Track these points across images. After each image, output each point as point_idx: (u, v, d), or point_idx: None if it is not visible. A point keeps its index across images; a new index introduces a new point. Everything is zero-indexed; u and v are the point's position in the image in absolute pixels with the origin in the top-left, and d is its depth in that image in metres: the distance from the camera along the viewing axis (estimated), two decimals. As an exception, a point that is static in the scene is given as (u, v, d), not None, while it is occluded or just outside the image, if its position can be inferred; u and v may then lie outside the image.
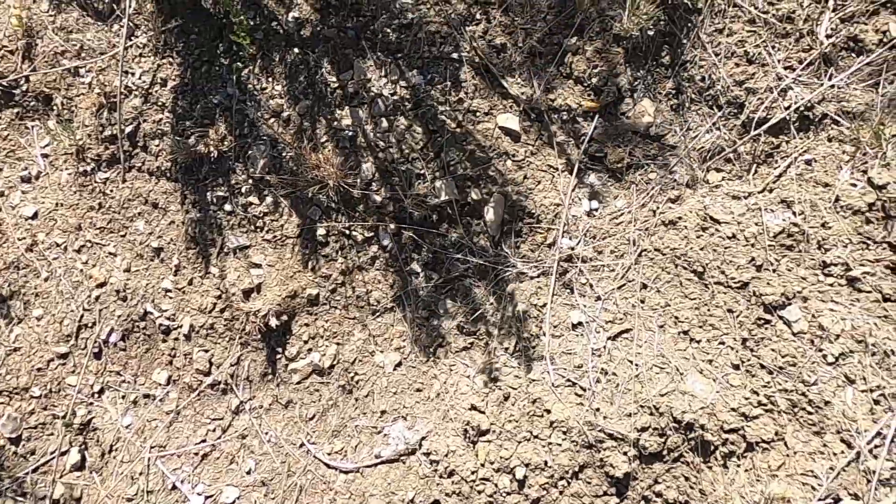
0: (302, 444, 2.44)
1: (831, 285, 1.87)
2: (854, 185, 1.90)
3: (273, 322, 2.41)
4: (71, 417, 2.57)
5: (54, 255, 2.68)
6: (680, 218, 2.11)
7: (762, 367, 1.87)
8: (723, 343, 1.94)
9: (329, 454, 2.38)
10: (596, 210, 2.29)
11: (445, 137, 2.34)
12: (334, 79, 2.45)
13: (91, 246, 2.66)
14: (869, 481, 1.64)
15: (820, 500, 1.65)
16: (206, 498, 2.43)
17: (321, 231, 2.45)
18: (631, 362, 2.04)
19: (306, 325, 2.46)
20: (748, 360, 1.89)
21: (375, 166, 2.41)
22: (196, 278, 2.54)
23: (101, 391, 2.60)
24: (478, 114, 2.35)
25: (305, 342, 2.46)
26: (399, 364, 2.38)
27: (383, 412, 2.34)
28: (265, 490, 2.41)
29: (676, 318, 2.03)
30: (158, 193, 2.59)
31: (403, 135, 2.37)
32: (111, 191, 2.64)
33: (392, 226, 2.40)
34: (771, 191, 2.05)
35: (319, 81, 2.46)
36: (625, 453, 1.97)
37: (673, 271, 2.08)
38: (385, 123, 2.38)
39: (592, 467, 2.02)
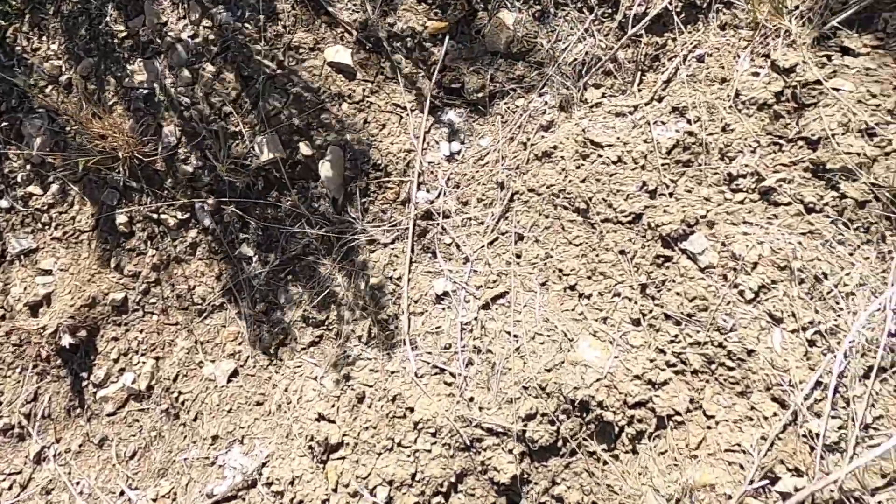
0: (122, 493, 1.90)
1: (741, 203, 1.45)
2: (756, 75, 1.49)
3: (66, 340, 1.87)
4: None
5: None
6: (555, 148, 1.68)
7: (667, 317, 1.43)
8: (618, 294, 1.49)
9: (154, 500, 1.84)
10: (458, 153, 1.83)
11: (263, 83, 1.86)
12: (122, 27, 1.95)
13: None
14: (812, 448, 1.21)
15: (752, 482, 1.21)
16: (-1, 578, 1.87)
17: (122, 219, 1.93)
18: (509, 334, 1.58)
19: (114, 339, 1.94)
20: (650, 311, 1.45)
21: (180, 128, 1.91)
22: (-25, 297, 1.98)
23: None
24: (301, 50, 1.88)
25: (115, 361, 1.93)
26: (234, 373, 1.87)
27: (215, 437, 1.82)
28: (77, 558, 1.87)
29: (560, 270, 1.59)
30: (-76, 197, 2.03)
31: (211, 85, 1.87)
32: None
33: (210, 201, 1.90)
34: (660, 100, 1.64)
35: (104, 33, 1.96)
36: (510, 451, 1.51)
37: (552, 214, 1.63)
38: (187, 74, 1.89)
39: (473, 474, 1.55)
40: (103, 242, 1.97)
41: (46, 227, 2.00)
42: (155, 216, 1.94)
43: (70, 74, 1.98)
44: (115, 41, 1.97)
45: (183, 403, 1.89)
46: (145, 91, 1.93)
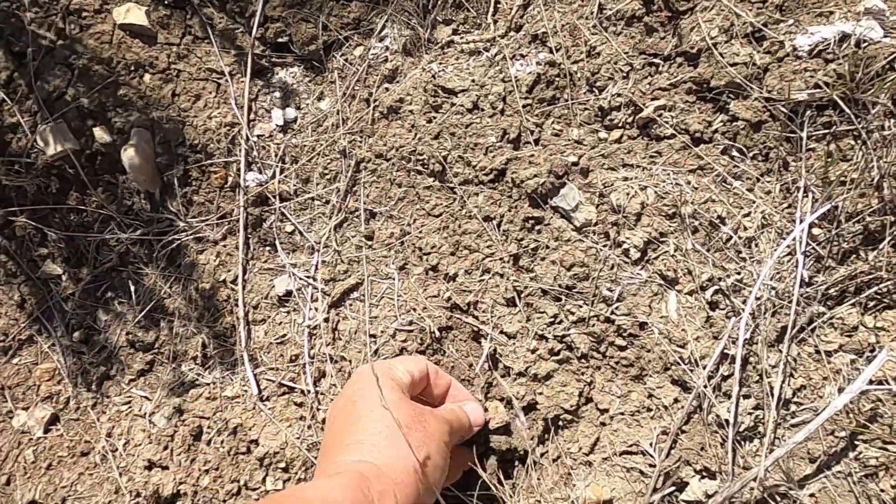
0: (-69, 583, 1.53)
1: (618, 141, 1.17)
2: (621, -16, 1.20)
3: None
4: None
5: None
6: (402, 101, 1.37)
7: (544, 293, 1.15)
8: (487, 271, 1.21)
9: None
10: (293, 121, 1.50)
11: (41, 59, 1.48)
12: None
13: None
14: (724, 441, 0.95)
15: (656, 489, 0.95)
16: None
17: None
18: (366, 334, 1.28)
19: None
20: (525, 287, 1.16)
21: (-58, 126, 1.51)
22: None
23: None
24: (84, 14, 1.50)
25: None
26: (54, 420, 1.52)
27: (32, 503, 1.47)
28: None
29: (420, 249, 1.29)
30: None
31: (-24, 68, 1.49)
32: None
33: (-4, 213, 1.52)
34: (518, 28, 1.34)
35: None
36: (378, 479, 1.20)
37: (405, 181, 1.33)
38: (-57, 57, 1.49)
39: (340, 512, 1.25)
40: None
41: None
42: (-71, 239, 1.56)
43: None
44: None
45: (-8, 465, 1.53)
46: None
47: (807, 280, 1.00)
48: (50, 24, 1.51)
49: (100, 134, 1.50)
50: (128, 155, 1.48)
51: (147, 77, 1.52)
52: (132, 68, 1.51)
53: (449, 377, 1.07)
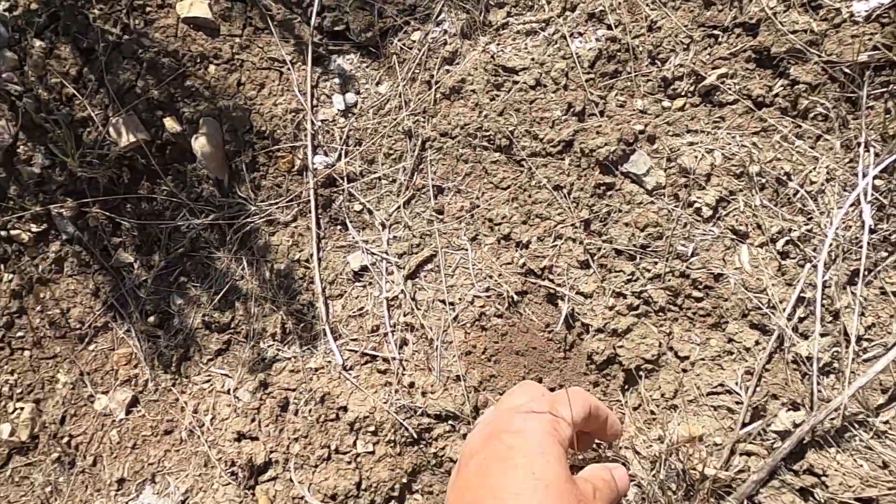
0: (21, 564, 1.59)
1: (682, 109, 1.25)
2: (676, -39, 1.29)
3: (-84, 398, 1.53)
4: None
5: None
6: (463, 81, 1.44)
7: (618, 253, 1.23)
8: (560, 237, 1.28)
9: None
10: (354, 105, 1.57)
11: (109, 53, 1.54)
12: (-79, 9, 1.57)
13: None
14: (805, 375, 1.04)
15: (745, 425, 1.03)
16: None
17: (-37, 241, 1.59)
18: (444, 303, 1.35)
19: (-20, 386, 1.61)
20: (598, 249, 1.24)
21: (14, 123, 1.57)
22: None
23: None
24: (148, 8, 1.56)
25: (-14, 412, 1.61)
26: (134, 402, 1.58)
27: (122, 481, 1.54)
28: None
29: (490, 220, 1.36)
30: None
31: (44, 65, 1.54)
32: None
33: (70, 204, 1.58)
34: (573, 8, 1.42)
35: None
36: (465, 436, 1.29)
37: (472, 157, 1.40)
38: (11, 55, 1.54)
39: (428, 469, 1.33)
40: (-55, 274, 1.62)
41: None
42: (4, 234, 1.61)
43: None
44: (-85, 28, 1.60)
45: (77, 448, 1.59)
46: (-37, 84, 1.58)
47: (872, 227, 1.08)
48: (116, 20, 1.57)
49: (170, 124, 1.56)
50: (199, 143, 1.54)
51: (212, 68, 1.58)
52: (198, 60, 1.57)
53: (606, 410, 0.93)
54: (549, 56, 1.41)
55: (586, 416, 0.82)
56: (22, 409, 1.62)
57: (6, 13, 1.57)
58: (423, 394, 1.33)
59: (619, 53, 1.32)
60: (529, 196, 1.35)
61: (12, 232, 1.61)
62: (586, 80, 1.34)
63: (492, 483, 0.68)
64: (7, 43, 1.57)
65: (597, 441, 1.02)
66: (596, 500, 0.75)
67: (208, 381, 1.55)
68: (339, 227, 1.53)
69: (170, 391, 1.58)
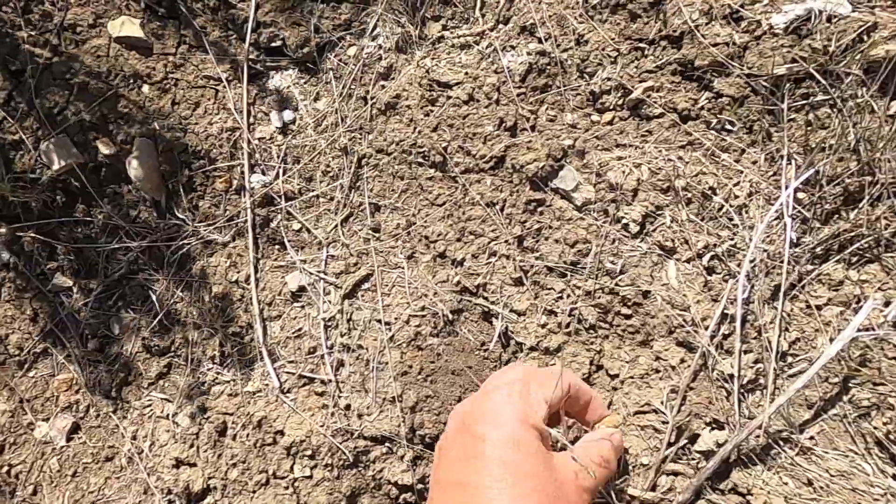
0: None
1: (611, 123, 1.24)
2: (603, -26, 1.27)
3: None
4: None
5: None
6: (398, 97, 1.42)
7: (550, 270, 1.21)
8: (493, 254, 1.27)
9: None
10: (292, 122, 1.55)
11: (38, 76, 1.50)
12: None
13: None
14: (729, 394, 1.03)
15: (671, 443, 1.02)
16: None
17: None
18: (380, 322, 1.33)
19: (-84, 417, 1.57)
20: (531, 266, 1.23)
21: (-56, 148, 1.53)
22: None
23: None
24: (79, 28, 1.53)
25: (-77, 443, 1.57)
26: (75, 429, 1.55)
27: (61, 511, 1.51)
28: None
29: (426, 238, 1.34)
30: None
31: (-27, 89, 1.51)
32: None
33: (2, 230, 1.55)
34: (506, 21, 1.40)
35: None
36: (402, 458, 1.27)
37: (407, 174, 1.38)
38: (-60, 79, 1.51)
39: (367, 492, 1.31)
40: None
41: None
42: (-63, 260, 1.57)
43: None
44: None
45: (17, 477, 1.56)
46: None
47: (795, 241, 1.07)
48: (45, 42, 1.54)
49: (102, 147, 1.53)
50: (132, 165, 1.51)
51: (146, 88, 1.55)
52: (130, 80, 1.54)
53: (590, 390, 0.90)
54: (482, 70, 1.39)
55: (564, 397, 0.82)
56: (-40, 439, 1.59)
57: (-68, 36, 1.53)
58: (360, 416, 1.31)
59: (548, 67, 1.31)
60: (464, 213, 1.34)
61: (-54, 259, 1.57)
62: (518, 95, 1.33)
63: (464, 479, 0.67)
64: (-66, 66, 1.54)
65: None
66: (579, 481, 0.73)
67: (149, 406, 1.53)
68: (277, 246, 1.51)
69: (110, 417, 1.55)
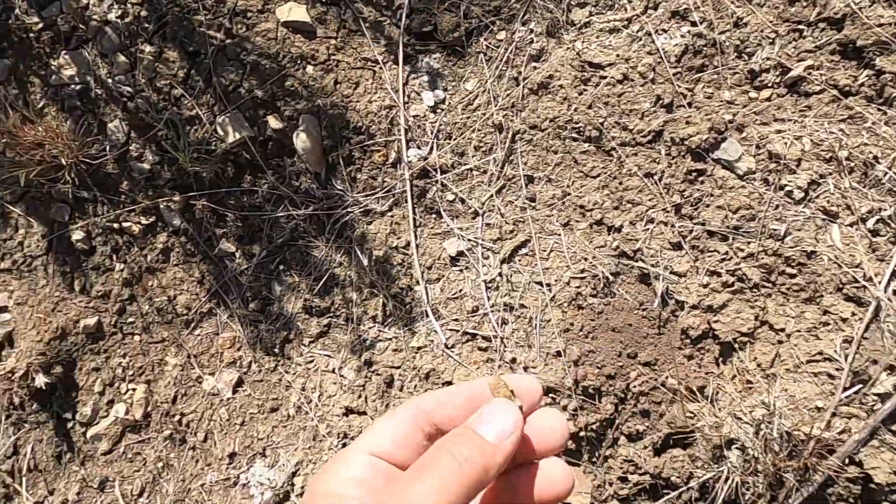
0: (136, 535, 1.70)
1: (769, 100, 1.33)
2: (759, -39, 1.36)
3: (41, 381, 1.64)
4: None
5: None
6: (551, 77, 1.52)
7: (711, 234, 1.31)
8: (651, 221, 1.37)
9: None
10: (442, 102, 1.66)
11: (213, 57, 1.63)
12: (36, 19, 1.68)
13: None
14: (903, 343, 1.11)
15: (846, 388, 1.11)
16: None
17: (78, 235, 1.69)
18: (540, 284, 1.44)
19: (95, 369, 1.71)
20: (690, 231, 1.32)
21: (127, 122, 1.67)
22: (-79, 352, 1.72)
23: None
24: (249, 14, 1.66)
25: (101, 393, 1.71)
26: (239, 383, 1.68)
27: (233, 455, 1.64)
28: None
29: (582, 207, 1.45)
30: None
31: (154, 68, 1.64)
32: None
33: (177, 198, 1.68)
34: (656, 7, 1.49)
35: (16, 28, 1.69)
36: (564, 408, 1.37)
37: (561, 148, 1.49)
38: (123, 60, 1.65)
39: (529, 441, 1.41)
40: (62, 265, 1.73)
41: (-9, 260, 1.74)
42: (116, 226, 1.71)
43: (-16, 81, 1.71)
44: (31, 36, 1.70)
45: (188, 426, 1.69)
46: (78, 87, 1.68)
47: (959, 205, 1.16)
48: (219, 25, 1.67)
49: (272, 122, 1.65)
50: (300, 139, 1.63)
51: (310, 68, 1.67)
52: (297, 61, 1.66)
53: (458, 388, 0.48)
54: (634, 52, 1.49)
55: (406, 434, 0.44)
56: (134, 389, 1.72)
57: (118, 20, 1.67)
58: (525, 368, 1.42)
59: (705, 48, 1.40)
60: (620, 183, 1.43)
61: (124, 224, 1.71)
62: (673, 74, 1.42)
63: None
64: (119, 48, 1.67)
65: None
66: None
67: (311, 361, 1.65)
68: (433, 215, 1.62)
69: (273, 372, 1.68)
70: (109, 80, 1.67)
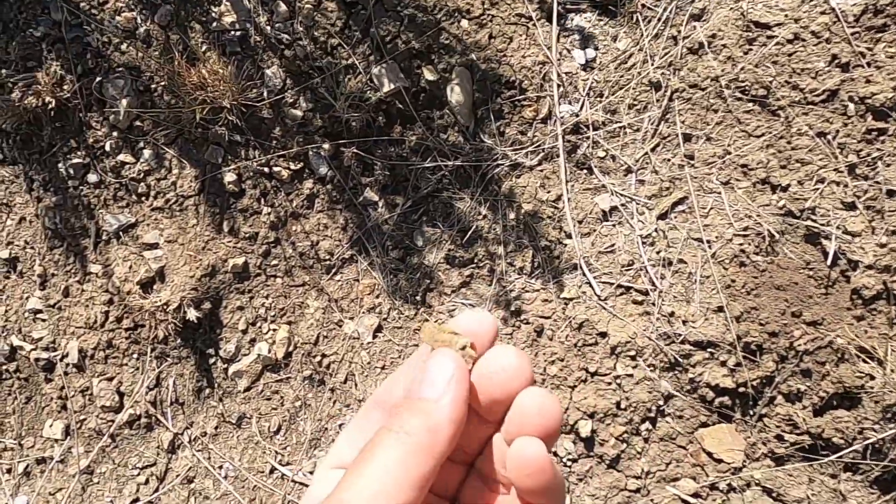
0: (272, 470, 1.74)
1: (957, 60, 1.29)
2: (952, -80, 1.32)
3: (192, 314, 1.69)
4: (-61, 517, 1.79)
5: None
6: (713, 37, 1.50)
7: (891, 194, 1.28)
8: (822, 181, 1.34)
9: (312, 472, 1.68)
10: (593, 60, 1.65)
11: (371, 7, 1.65)
12: (199, -35, 1.72)
13: (-84, 278, 1.86)
14: None
15: None
16: (156, 577, 1.71)
17: (230, 177, 1.73)
18: (699, 241, 1.42)
19: (240, 308, 1.75)
20: (865, 192, 1.30)
21: (284, 69, 1.70)
22: (73, 285, 1.78)
23: (-25, 470, 1.82)
24: (407, -33, 1.67)
25: (244, 332, 1.75)
26: (379, 328, 1.71)
27: (373, 397, 1.66)
28: (236, 544, 1.71)
29: (744, 166, 1.43)
30: (-6, 184, 1.81)
31: (312, 17, 1.67)
32: (-73, 196, 1.84)
33: (326, 146, 1.71)
34: (827, -32, 1.46)
35: (179, -26, 1.73)
36: (723, 363, 1.36)
37: (722, 108, 1.47)
38: (284, 8, 1.68)
39: (681, 394, 1.41)
40: (212, 206, 1.77)
41: (144, 198, 1.80)
42: (266, 170, 1.75)
43: (147, 26, 1.76)
44: (194, -18, 1.75)
45: (328, 367, 1.72)
46: (238, 33, 1.72)
47: None
48: (378, -23, 1.68)
49: (427, 73, 1.67)
50: (454, 91, 1.64)
51: (465, 22, 1.68)
52: (452, 15, 1.67)
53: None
54: (804, 13, 1.46)
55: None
56: (276, 329, 1.76)
57: (279, -31, 1.70)
58: (684, 322, 1.41)
59: (887, 7, 1.37)
60: (788, 143, 1.41)
61: (273, 169, 1.74)
62: (851, 35, 1.39)
63: None
64: (279, -4, 1.70)
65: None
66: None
67: (453, 309, 1.66)
68: (584, 171, 1.62)
69: (413, 319, 1.70)
70: (268, 28, 1.70)
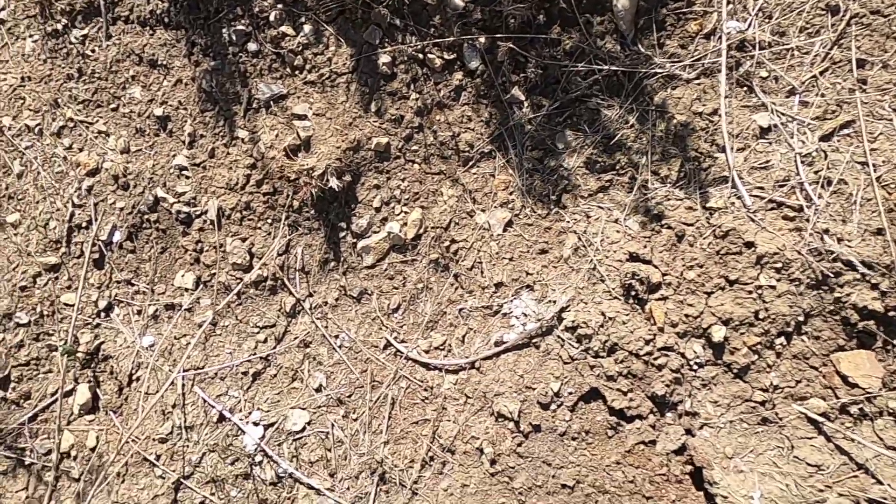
0: (387, 345, 1.78)
1: None
2: None
3: (334, 183, 1.73)
4: (73, 346, 1.89)
5: (27, 142, 1.97)
6: (903, -37, 1.44)
7: None
8: None
9: (427, 352, 1.72)
10: (766, -18, 1.61)
11: None
12: None
13: (74, 125, 1.95)
14: None
15: None
16: (266, 427, 1.78)
17: (384, 59, 1.76)
18: (864, 164, 1.38)
19: (376, 186, 1.79)
20: None
21: (453, -43, 1.71)
22: (219, 147, 1.85)
23: (109, 308, 1.92)
24: None
25: (377, 210, 1.79)
26: (510, 223, 1.72)
27: (499, 285, 1.68)
28: (344, 409, 1.76)
29: (923, 94, 1.37)
30: (156, 47, 1.88)
31: None
32: (93, 52, 1.93)
33: (482, 39, 1.71)
34: None
35: None
36: (874, 286, 1.32)
37: (905, 35, 1.41)
38: None
39: (822, 314, 1.38)
40: (363, 85, 1.80)
41: (298, 71, 1.84)
42: (420, 57, 1.77)
43: None
44: None
45: (455, 253, 1.74)
46: (413, -82, 1.73)
47: None
48: None
49: (596, -25, 1.65)
50: (620, -4, 1.62)
51: (640, -71, 1.65)
52: (629, -80, 1.65)
53: None
54: None
55: None
56: (409, 212, 1.79)
57: None
58: (839, 240, 1.37)
59: None
60: (975, 74, 1.35)
61: (428, 56, 1.76)
62: None
63: None
64: None
65: None
66: None
67: (589, 211, 1.66)
68: (744, 89, 1.58)
69: (545, 218, 1.70)
70: (443, -84, 1.71)
